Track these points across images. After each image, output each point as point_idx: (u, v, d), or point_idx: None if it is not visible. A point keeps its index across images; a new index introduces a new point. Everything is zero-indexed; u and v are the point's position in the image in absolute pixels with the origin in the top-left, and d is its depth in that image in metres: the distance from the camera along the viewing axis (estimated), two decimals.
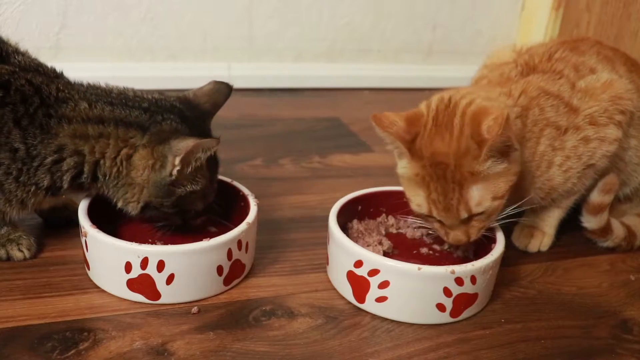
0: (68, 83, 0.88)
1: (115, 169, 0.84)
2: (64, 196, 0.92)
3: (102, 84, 0.89)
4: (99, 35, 1.66)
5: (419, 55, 2.03)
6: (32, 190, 0.85)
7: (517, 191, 0.97)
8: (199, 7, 1.73)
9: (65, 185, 0.85)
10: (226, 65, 1.81)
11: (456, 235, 0.87)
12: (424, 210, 0.87)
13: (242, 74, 1.82)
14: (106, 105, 0.85)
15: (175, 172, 0.83)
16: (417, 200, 0.87)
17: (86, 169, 0.84)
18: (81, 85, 0.88)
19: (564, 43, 1.06)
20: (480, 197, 0.84)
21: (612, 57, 1.05)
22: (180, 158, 0.82)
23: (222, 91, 0.92)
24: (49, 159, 0.83)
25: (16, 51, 0.88)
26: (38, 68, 0.87)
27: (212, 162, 0.89)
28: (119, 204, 0.87)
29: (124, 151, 0.83)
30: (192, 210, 0.89)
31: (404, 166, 0.89)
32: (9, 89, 0.82)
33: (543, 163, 0.95)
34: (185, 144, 0.81)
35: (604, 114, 0.95)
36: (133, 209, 0.86)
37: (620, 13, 1.67)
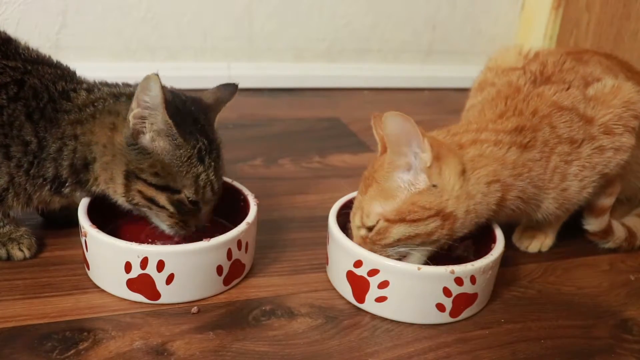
0: (77, 78, 0.91)
1: (102, 145, 0.85)
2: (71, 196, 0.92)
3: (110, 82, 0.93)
4: (99, 35, 1.66)
5: (419, 55, 2.04)
6: (38, 183, 0.86)
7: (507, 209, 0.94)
8: (199, 7, 1.73)
9: (65, 174, 0.86)
10: (226, 65, 1.81)
11: (357, 238, 0.87)
12: None
13: (242, 73, 1.82)
14: (104, 87, 0.88)
15: (130, 116, 0.81)
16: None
17: (79, 152, 0.85)
18: (90, 81, 0.92)
19: (569, 53, 1.04)
20: (372, 209, 0.83)
21: (611, 66, 1.04)
22: (135, 97, 0.80)
23: (227, 88, 0.93)
24: (54, 147, 0.85)
25: (27, 48, 0.91)
26: (54, 64, 0.91)
27: (200, 143, 0.84)
28: (108, 192, 0.87)
29: (110, 120, 0.85)
30: (180, 191, 0.83)
31: None
32: (23, 86, 0.85)
33: (556, 176, 0.92)
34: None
35: (619, 122, 0.93)
36: (117, 188, 0.85)
37: (620, 13, 1.67)
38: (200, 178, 0.84)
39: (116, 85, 0.91)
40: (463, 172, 0.84)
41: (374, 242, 0.84)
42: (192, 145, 0.83)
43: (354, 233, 0.88)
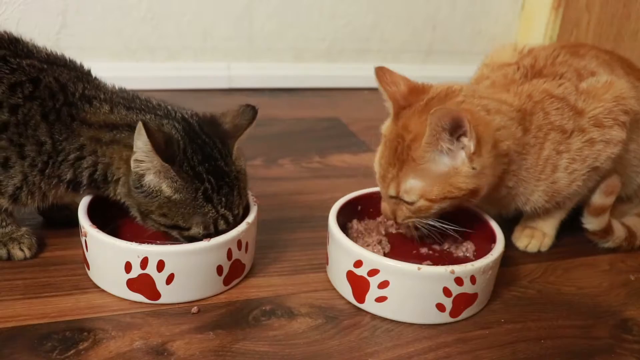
0: (95, 82, 0.90)
1: (121, 172, 0.85)
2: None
3: (129, 90, 0.91)
4: (99, 35, 1.67)
5: (419, 55, 2.04)
6: (54, 182, 0.86)
7: (509, 199, 0.97)
8: (199, 7, 1.73)
9: (85, 181, 0.86)
10: (226, 65, 1.82)
11: (384, 207, 0.92)
12: (375, 168, 0.92)
13: (242, 73, 1.82)
14: (124, 109, 0.85)
15: (132, 160, 0.80)
16: (375, 157, 0.92)
17: (99, 169, 0.85)
18: (108, 86, 0.90)
19: (564, 47, 1.05)
20: (410, 186, 0.86)
21: (610, 60, 1.05)
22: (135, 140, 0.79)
23: (246, 114, 0.89)
24: (72, 155, 0.84)
25: (35, 46, 0.90)
26: (67, 64, 0.90)
27: (205, 184, 0.82)
28: (131, 211, 0.87)
29: (126, 153, 0.83)
30: (190, 228, 0.83)
31: (385, 124, 0.93)
32: (39, 85, 0.84)
33: (548, 167, 0.94)
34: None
35: (609, 115, 0.94)
36: (137, 216, 0.86)
37: (620, 13, 1.67)
38: (209, 216, 0.83)
39: (132, 105, 0.87)
40: (494, 145, 0.85)
41: (413, 213, 0.88)
42: (195, 188, 0.81)
43: (385, 199, 0.91)
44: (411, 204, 0.87)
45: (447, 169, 0.84)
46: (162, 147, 0.79)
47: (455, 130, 0.81)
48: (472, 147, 0.81)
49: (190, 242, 0.85)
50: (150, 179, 0.81)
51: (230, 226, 0.86)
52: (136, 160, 0.80)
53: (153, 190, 0.82)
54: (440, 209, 0.88)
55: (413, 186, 0.86)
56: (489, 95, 0.92)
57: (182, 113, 0.87)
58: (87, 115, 0.84)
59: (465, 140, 0.81)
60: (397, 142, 0.87)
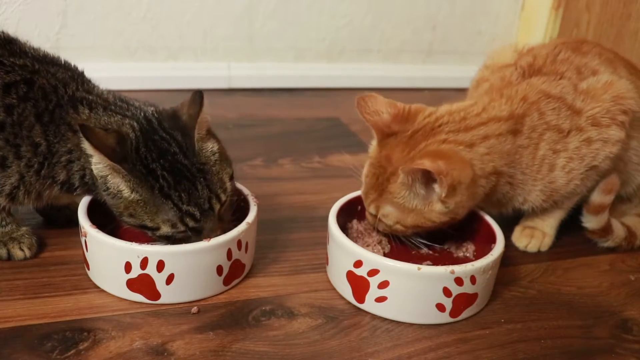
0: (88, 85, 0.89)
1: None
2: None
3: (116, 93, 0.90)
4: (99, 35, 1.67)
5: (419, 55, 2.04)
6: (48, 183, 0.86)
7: (504, 200, 0.98)
8: (199, 7, 1.73)
9: (77, 183, 0.86)
10: (226, 65, 1.82)
11: (367, 214, 0.95)
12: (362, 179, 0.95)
13: (242, 73, 1.82)
14: (101, 110, 0.85)
15: (92, 165, 0.80)
16: (363, 170, 0.95)
17: (87, 173, 0.85)
18: (98, 89, 0.90)
19: (565, 44, 1.05)
20: (388, 212, 0.90)
21: (613, 59, 1.05)
22: None
23: (196, 101, 0.84)
24: (64, 158, 0.85)
25: (32, 47, 0.89)
26: (62, 64, 0.90)
27: (160, 181, 0.80)
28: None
29: None
30: (159, 228, 0.81)
31: (373, 144, 0.95)
32: (33, 86, 0.84)
33: (544, 167, 0.94)
34: None
35: (607, 114, 0.95)
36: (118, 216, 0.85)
37: (620, 13, 1.67)
38: (172, 214, 0.81)
39: (109, 108, 0.85)
40: (472, 181, 0.86)
41: (390, 230, 0.93)
42: (150, 185, 0.80)
43: (367, 211, 0.94)
44: (388, 225, 0.91)
45: (421, 206, 0.88)
46: (112, 147, 0.78)
47: (427, 179, 0.83)
48: (443, 194, 0.84)
49: (166, 241, 0.83)
50: (111, 180, 0.81)
51: (201, 222, 0.83)
52: (94, 163, 0.80)
53: (117, 192, 0.81)
54: (415, 233, 0.93)
55: (390, 213, 0.90)
56: (477, 121, 0.90)
57: (145, 112, 0.85)
58: (72, 120, 0.84)
59: (436, 186, 0.84)
60: (379, 170, 0.90)
